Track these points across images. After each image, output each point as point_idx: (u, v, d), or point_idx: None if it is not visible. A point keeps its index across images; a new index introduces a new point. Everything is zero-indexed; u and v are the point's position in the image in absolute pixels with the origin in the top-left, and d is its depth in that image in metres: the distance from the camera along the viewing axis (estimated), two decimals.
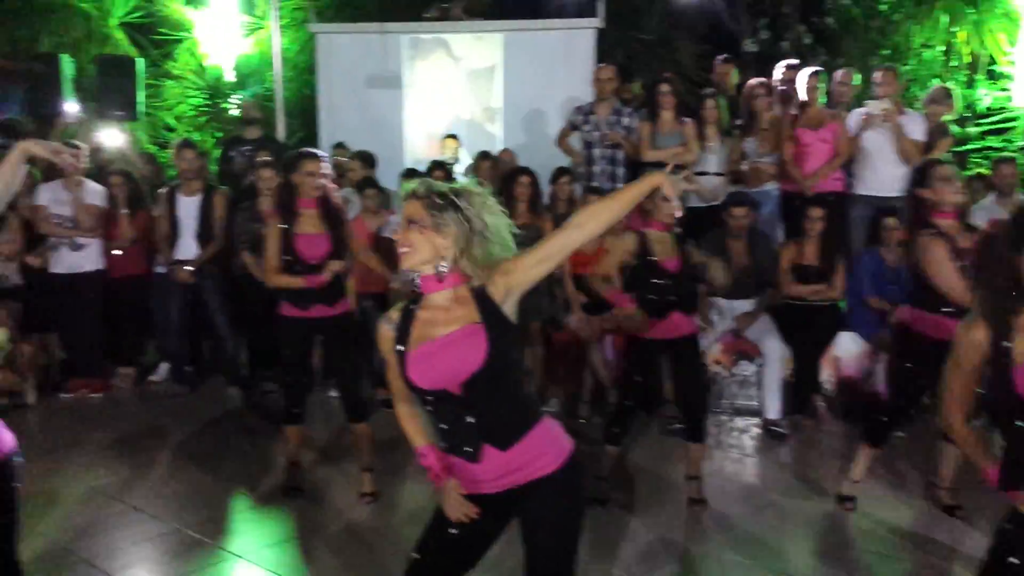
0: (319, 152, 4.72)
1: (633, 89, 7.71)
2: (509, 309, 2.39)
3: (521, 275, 2.37)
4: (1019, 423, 2.26)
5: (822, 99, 6.67)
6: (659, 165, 6.71)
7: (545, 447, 2.43)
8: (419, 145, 8.55)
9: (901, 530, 4.32)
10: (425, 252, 2.36)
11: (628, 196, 2.44)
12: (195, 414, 6.20)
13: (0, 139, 8.43)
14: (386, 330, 2.47)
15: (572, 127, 7.16)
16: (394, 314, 2.48)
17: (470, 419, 2.37)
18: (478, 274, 2.37)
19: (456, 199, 2.36)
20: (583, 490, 2.53)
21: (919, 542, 4.19)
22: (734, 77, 7.35)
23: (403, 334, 2.42)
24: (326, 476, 4.99)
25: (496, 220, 2.42)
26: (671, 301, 4.40)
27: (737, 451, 5.47)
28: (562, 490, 2.44)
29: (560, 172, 6.67)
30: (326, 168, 4.66)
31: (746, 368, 6.02)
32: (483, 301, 2.37)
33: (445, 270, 2.37)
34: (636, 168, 6.95)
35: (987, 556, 2.40)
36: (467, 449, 2.39)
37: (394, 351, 2.44)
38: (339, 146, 7.84)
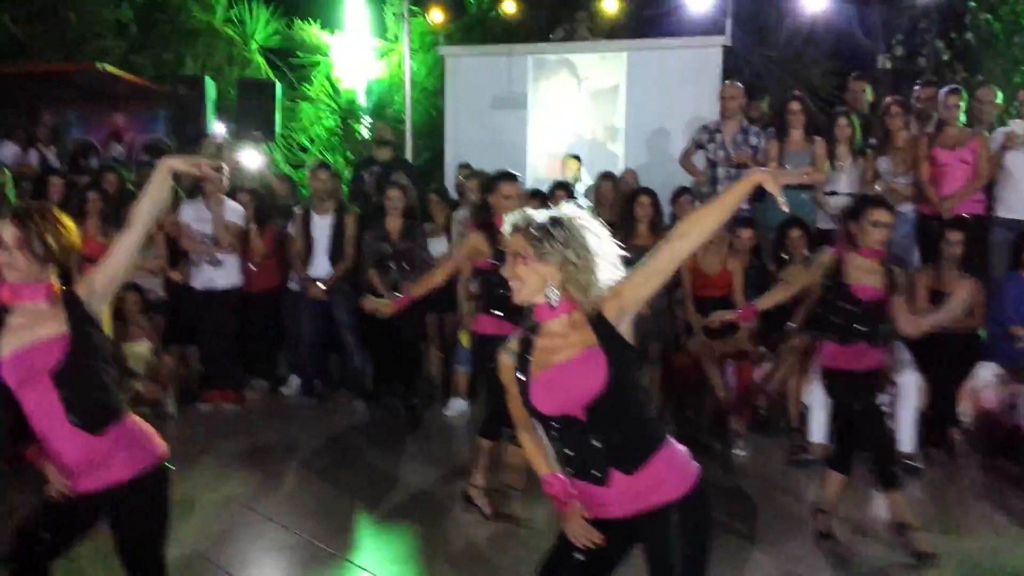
0: (516, 174, 4.84)
1: (761, 107, 7.59)
2: (625, 330, 2.40)
3: (631, 294, 2.38)
4: None
5: (961, 118, 6.40)
6: (789, 186, 6.62)
7: (671, 471, 2.42)
8: (542, 165, 8.63)
9: None
10: (533, 283, 2.39)
11: (729, 200, 2.41)
12: (323, 426, 6.41)
13: (146, 158, 9.00)
14: (506, 359, 2.52)
15: (697, 146, 7.09)
16: (513, 344, 2.52)
17: (596, 443, 2.38)
18: (588, 299, 2.38)
19: (552, 228, 2.38)
20: (709, 516, 2.50)
21: None
22: (868, 95, 7.13)
23: (523, 362, 2.46)
24: (451, 492, 5.06)
25: (599, 244, 2.42)
26: (857, 330, 4.21)
27: (866, 485, 5.26)
28: (687, 516, 2.41)
29: (681, 191, 6.61)
30: (521, 190, 4.83)
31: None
32: (599, 324, 2.38)
33: (555, 297, 2.39)
34: (761, 188, 6.81)
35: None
36: (595, 473, 2.40)
37: (515, 379, 2.48)
38: (464, 166, 7.98)
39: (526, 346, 2.47)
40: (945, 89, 6.56)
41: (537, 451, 2.61)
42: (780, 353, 5.87)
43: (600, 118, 8.55)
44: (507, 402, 2.57)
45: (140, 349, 6.54)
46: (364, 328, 6.83)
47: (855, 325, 4.16)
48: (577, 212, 2.46)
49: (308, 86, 9.26)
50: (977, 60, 7.98)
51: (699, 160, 7.16)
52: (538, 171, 8.55)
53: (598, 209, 6.65)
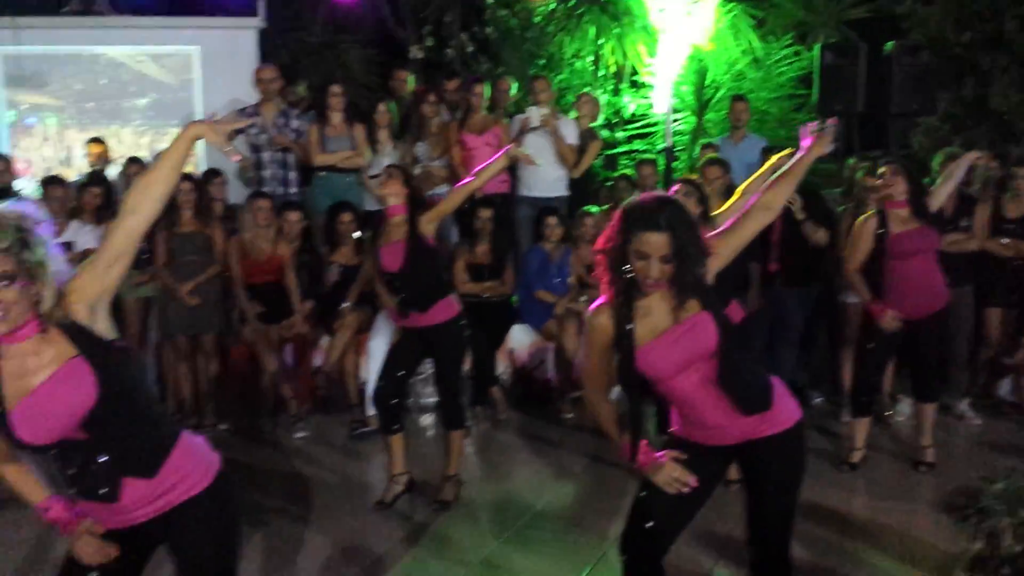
0: None
1: (298, 91, 7.55)
2: (104, 326, 2.15)
3: (94, 287, 2.13)
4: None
5: (485, 106, 6.96)
6: (331, 168, 6.70)
7: (191, 464, 2.29)
8: None
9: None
10: (23, 306, 2.05)
11: (176, 156, 2.21)
12: None
13: None
14: None
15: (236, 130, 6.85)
16: None
17: (103, 457, 2.15)
18: (51, 308, 2.09)
19: (27, 236, 2.06)
20: (236, 505, 2.40)
21: None
22: (411, 83, 7.44)
23: None
24: None
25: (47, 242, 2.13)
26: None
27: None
28: (213, 507, 2.31)
29: (212, 173, 6.50)
30: None
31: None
32: (73, 331, 2.10)
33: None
34: (307, 172, 6.82)
35: (626, 525, 2.69)
36: (103, 491, 2.17)
37: None
38: None
39: None
40: (470, 79, 7.09)
41: (26, 480, 2.30)
42: (336, 332, 5.92)
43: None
44: None
45: None
46: None
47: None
48: (27, 212, 2.11)
49: None
50: (497, 53, 8.76)
51: (240, 144, 6.94)
52: None
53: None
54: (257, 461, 5.28)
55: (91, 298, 2.12)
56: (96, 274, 2.13)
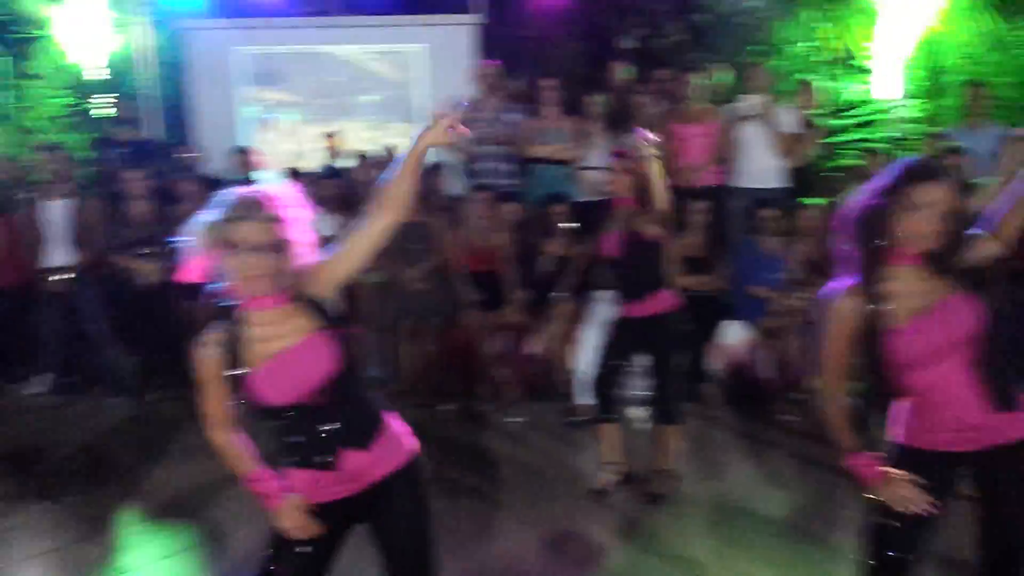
0: None
1: (515, 86, 7.75)
2: (334, 306, 2.38)
3: (334, 273, 2.39)
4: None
5: (700, 96, 6.88)
6: (545, 160, 6.87)
7: (396, 441, 2.48)
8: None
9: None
10: (267, 272, 2.31)
11: (411, 164, 2.39)
12: (76, 427, 5.91)
13: None
14: (210, 355, 2.34)
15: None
16: (215, 338, 2.34)
17: (330, 426, 2.35)
18: (296, 282, 2.34)
19: (269, 210, 2.33)
20: (425, 485, 2.55)
21: None
22: (627, 74, 7.46)
23: (234, 357, 2.32)
24: (214, 489, 4.81)
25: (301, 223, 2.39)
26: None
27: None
28: (413, 483, 2.49)
29: (435, 167, 6.76)
30: None
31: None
32: (314, 307, 2.34)
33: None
34: (523, 164, 7.01)
35: (867, 553, 2.54)
36: (324, 458, 2.37)
37: (221, 376, 2.33)
38: (241, 151, 7.47)
39: (233, 340, 2.31)
40: (683, 69, 7.04)
41: (239, 450, 2.46)
42: (549, 321, 6.07)
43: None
44: (205, 401, 2.40)
45: None
46: (125, 320, 6.36)
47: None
48: (283, 190, 2.36)
49: (35, 63, 8.42)
50: (710, 41, 8.61)
51: (462, 139, 7.22)
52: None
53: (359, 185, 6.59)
54: (475, 442, 5.53)
55: (335, 281, 2.36)
56: (343, 261, 2.37)
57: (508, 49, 8.01)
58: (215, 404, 2.38)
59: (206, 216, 2.26)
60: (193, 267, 4.12)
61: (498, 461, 5.18)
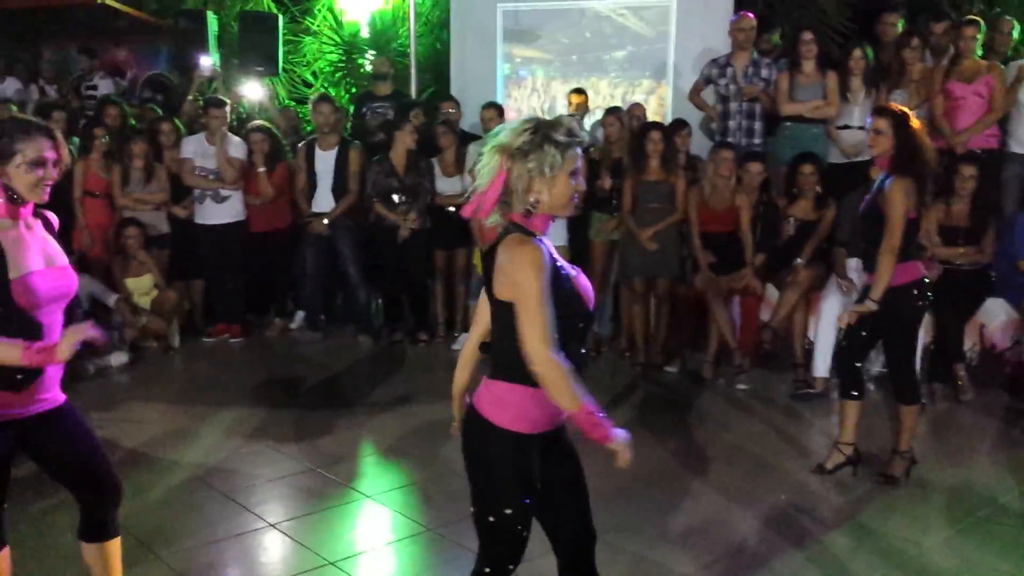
0: None
1: (772, 40, 7.40)
2: None
3: None
4: None
5: (978, 51, 6.25)
6: (797, 119, 6.53)
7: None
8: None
9: None
10: None
11: None
12: (328, 361, 6.44)
13: (148, 93, 8.89)
14: None
15: (706, 80, 6.95)
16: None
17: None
18: None
19: None
20: None
21: None
22: (899, 27, 6.90)
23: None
24: None
25: None
26: None
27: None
28: None
29: (679, 123, 6.63)
30: None
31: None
32: None
33: None
34: (772, 122, 6.72)
35: None
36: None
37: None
38: (492, 105, 7.66)
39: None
40: (962, 21, 6.40)
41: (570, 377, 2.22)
42: (786, 289, 5.82)
43: None
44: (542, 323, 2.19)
45: (142, 283, 6.53)
46: (371, 264, 6.83)
47: None
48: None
49: (311, 19, 9.11)
50: None
51: (708, 95, 7.04)
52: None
53: (605, 145, 6.57)
54: (698, 406, 5.45)
55: None
56: None
57: (767, 2, 7.65)
58: (550, 326, 2.18)
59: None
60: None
61: (719, 429, 5.07)
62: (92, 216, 6.72)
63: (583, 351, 2.34)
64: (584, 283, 2.35)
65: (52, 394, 2.64)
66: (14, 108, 7.48)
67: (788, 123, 6.59)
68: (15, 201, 2.52)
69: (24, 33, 9.90)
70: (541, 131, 2.23)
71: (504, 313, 2.23)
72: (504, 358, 2.29)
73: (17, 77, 9.41)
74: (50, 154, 2.53)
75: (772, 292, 5.99)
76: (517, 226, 2.26)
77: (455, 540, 3.67)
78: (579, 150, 2.27)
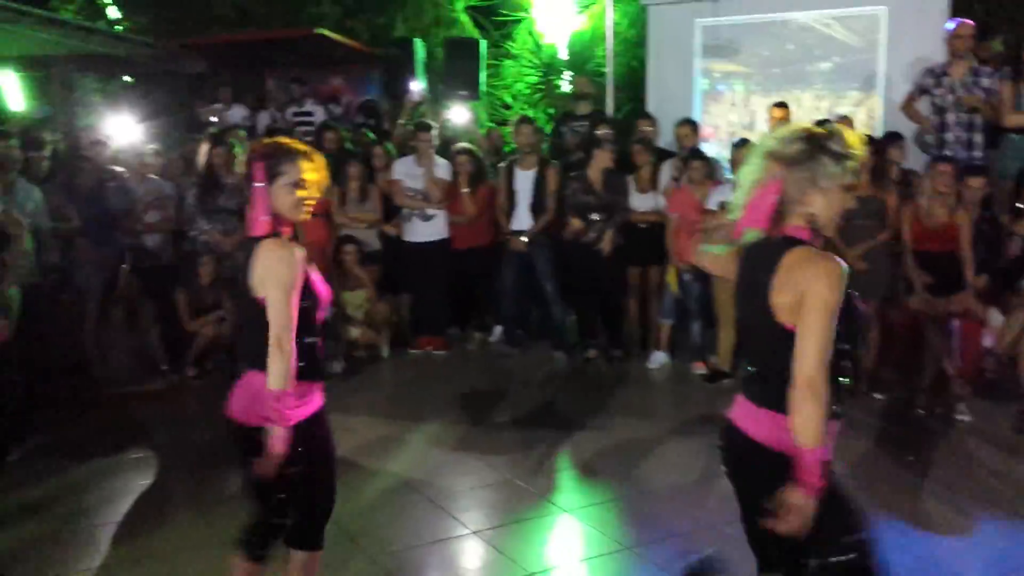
0: None
1: (993, 47, 6.94)
2: None
3: None
4: None
5: None
6: (1023, 130, 6.08)
7: None
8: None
9: None
10: None
11: None
12: (525, 375, 6.59)
13: (360, 119, 9.44)
14: None
15: (921, 91, 6.60)
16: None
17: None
18: None
19: None
20: None
21: None
22: None
23: None
24: (651, 440, 5.06)
25: None
26: None
27: None
28: None
29: (892, 137, 6.38)
30: None
31: None
32: None
33: None
34: (994, 134, 6.29)
35: None
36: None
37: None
38: (687, 122, 7.64)
39: None
40: None
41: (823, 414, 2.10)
42: (1011, 312, 5.41)
43: None
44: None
45: (358, 297, 6.94)
46: (566, 280, 6.93)
47: None
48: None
49: (511, 43, 9.38)
50: None
51: (924, 106, 6.68)
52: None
53: None
54: (906, 436, 5.14)
55: None
56: None
57: (984, 5, 7.18)
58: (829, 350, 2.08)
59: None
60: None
61: (931, 460, 4.77)
62: (312, 233, 7.17)
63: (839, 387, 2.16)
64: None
65: None
66: (242, 134, 8.14)
67: (1013, 135, 6.16)
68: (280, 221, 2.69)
69: (248, 63, 10.73)
70: (815, 141, 2.16)
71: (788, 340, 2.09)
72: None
73: (244, 104, 10.23)
74: (311, 176, 2.68)
75: (995, 317, 5.58)
76: (795, 240, 2.16)
77: (651, 560, 3.66)
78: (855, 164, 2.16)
